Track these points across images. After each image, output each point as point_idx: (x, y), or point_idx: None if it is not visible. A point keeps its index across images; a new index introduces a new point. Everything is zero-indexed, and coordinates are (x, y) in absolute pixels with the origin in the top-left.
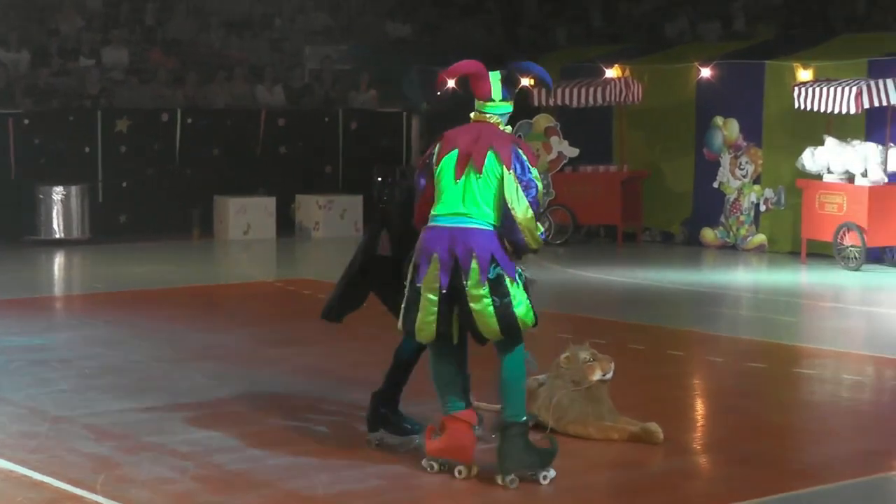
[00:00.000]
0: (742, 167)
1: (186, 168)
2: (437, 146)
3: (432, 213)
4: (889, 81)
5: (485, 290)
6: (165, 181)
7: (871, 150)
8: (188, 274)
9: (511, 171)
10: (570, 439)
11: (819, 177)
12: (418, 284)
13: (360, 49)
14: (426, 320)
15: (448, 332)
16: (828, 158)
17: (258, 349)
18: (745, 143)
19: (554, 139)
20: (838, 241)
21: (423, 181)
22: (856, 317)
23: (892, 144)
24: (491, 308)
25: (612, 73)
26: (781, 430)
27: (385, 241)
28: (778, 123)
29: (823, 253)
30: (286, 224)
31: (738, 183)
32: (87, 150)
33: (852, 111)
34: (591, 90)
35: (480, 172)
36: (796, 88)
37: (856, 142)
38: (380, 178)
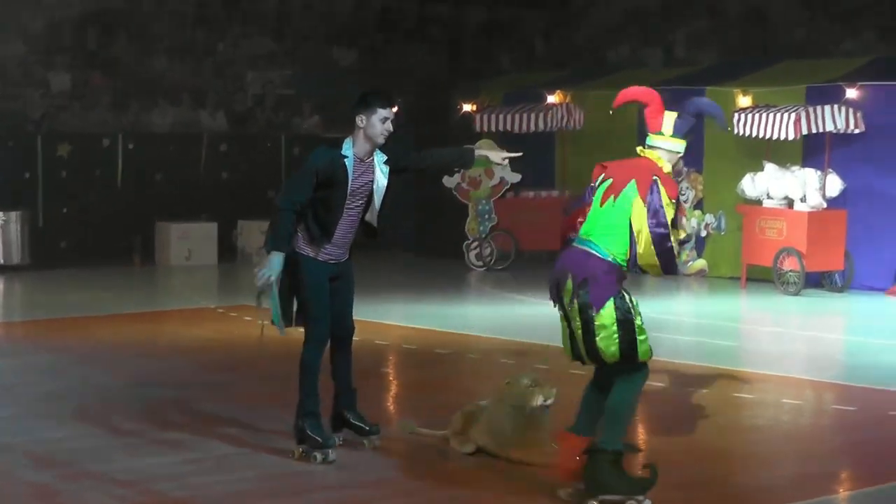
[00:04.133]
0: (683, 192)
1: (128, 193)
2: (602, 174)
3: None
4: (826, 108)
5: (574, 312)
6: (107, 207)
7: (809, 175)
8: (130, 300)
9: (644, 203)
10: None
11: (759, 202)
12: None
13: (304, 74)
14: (563, 341)
15: (579, 353)
16: (767, 184)
17: (200, 375)
18: (685, 169)
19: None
20: (778, 265)
21: (585, 198)
22: (795, 341)
23: (830, 170)
24: (580, 331)
25: (553, 98)
26: (722, 455)
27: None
28: (718, 149)
29: (763, 278)
30: (228, 250)
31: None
32: (27, 175)
33: (790, 137)
34: (534, 116)
35: (616, 201)
36: (736, 114)
37: (795, 167)
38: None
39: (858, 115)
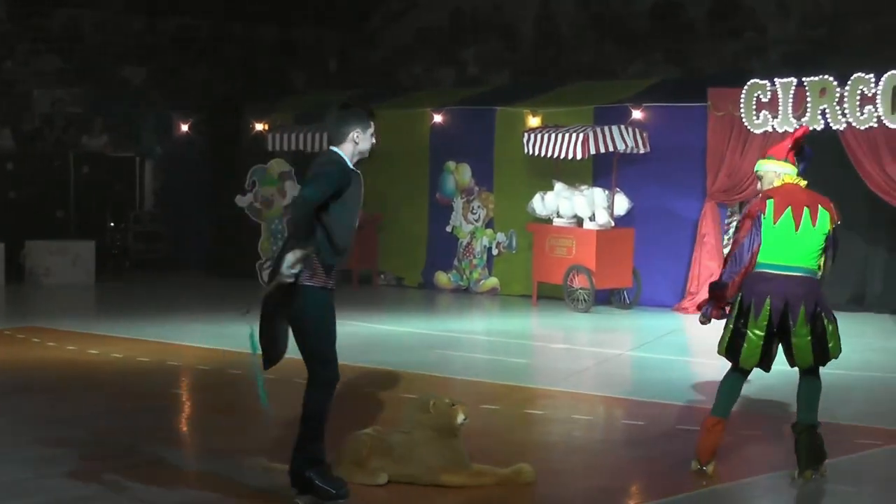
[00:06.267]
0: (474, 211)
1: None
2: (771, 202)
3: (763, 261)
4: (614, 128)
5: (807, 329)
6: None
7: (598, 194)
8: None
9: (833, 228)
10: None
11: (549, 221)
12: (744, 321)
13: (94, 93)
14: (753, 352)
15: (767, 361)
16: (557, 203)
17: None
18: (477, 188)
19: (289, 184)
20: (568, 283)
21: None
22: (586, 358)
23: (618, 189)
24: (809, 343)
25: None
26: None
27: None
28: (509, 168)
29: (554, 295)
30: (15, 271)
31: (470, 227)
32: None
33: (579, 157)
34: (326, 135)
35: (815, 226)
36: (526, 134)
37: (583, 187)
38: (112, 224)
39: (645, 135)
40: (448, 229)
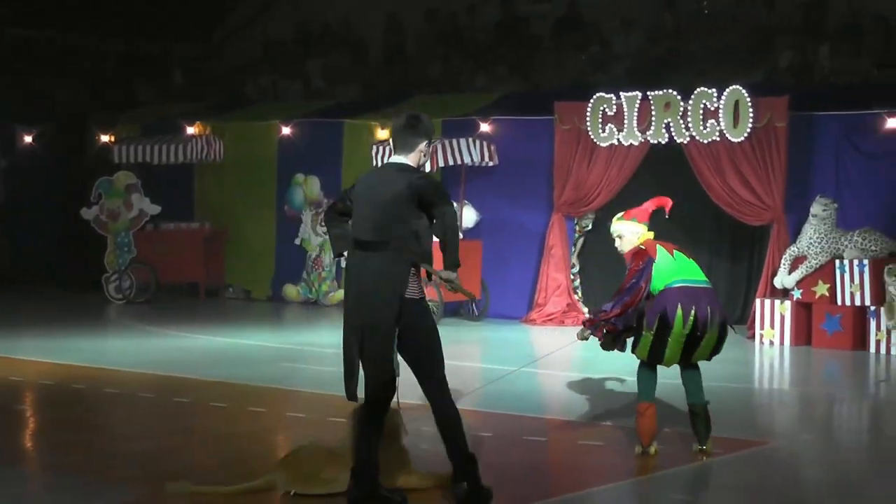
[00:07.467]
0: (323, 224)
1: None
2: (658, 247)
3: (679, 278)
4: (462, 141)
5: (716, 330)
6: None
7: None
8: None
9: None
10: None
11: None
12: (669, 330)
13: None
14: (675, 354)
15: (685, 359)
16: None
17: None
18: (325, 201)
19: (135, 196)
20: None
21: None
22: None
23: (466, 201)
24: (714, 342)
25: (192, 130)
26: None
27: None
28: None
29: None
30: None
31: (319, 240)
32: None
33: (427, 169)
34: (173, 147)
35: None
36: (374, 147)
37: None
38: None
39: (493, 148)
40: (297, 242)
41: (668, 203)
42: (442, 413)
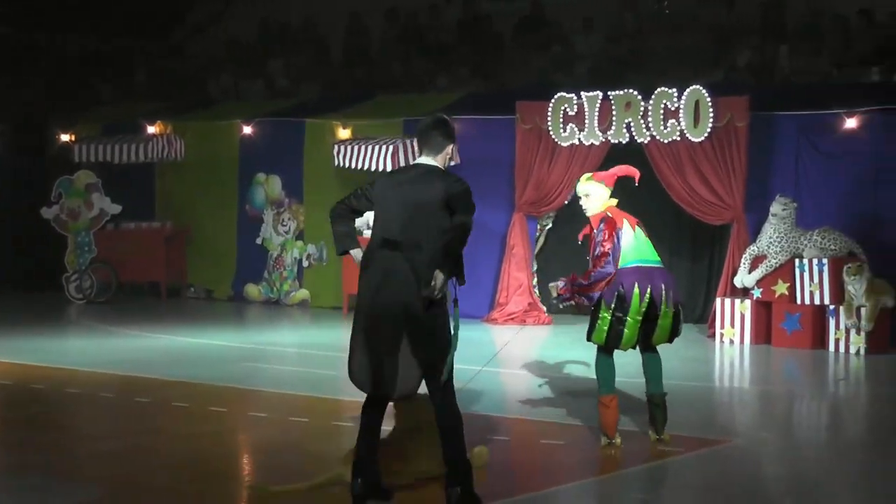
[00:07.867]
0: (285, 223)
1: None
2: (624, 219)
3: (634, 258)
4: None
5: (671, 311)
6: None
7: None
8: None
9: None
10: None
11: (359, 233)
12: (625, 311)
13: None
14: (632, 336)
15: (643, 341)
16: (367, 216)
17: None
18: (287, 200)
19: (95, 196)
20: None
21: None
22: None
23: None
24: (670, 324)
25: (154, 129)
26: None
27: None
28: (319, 180)
29: None
30: None
31: (281, 239)
32: None
33: (388, 169)
34: (134, 147)
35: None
36: (335, 146)
37: None
38: None
39: (454, 147)
40: (258, 241)
41: (636, 173)
42: (445, 416)
